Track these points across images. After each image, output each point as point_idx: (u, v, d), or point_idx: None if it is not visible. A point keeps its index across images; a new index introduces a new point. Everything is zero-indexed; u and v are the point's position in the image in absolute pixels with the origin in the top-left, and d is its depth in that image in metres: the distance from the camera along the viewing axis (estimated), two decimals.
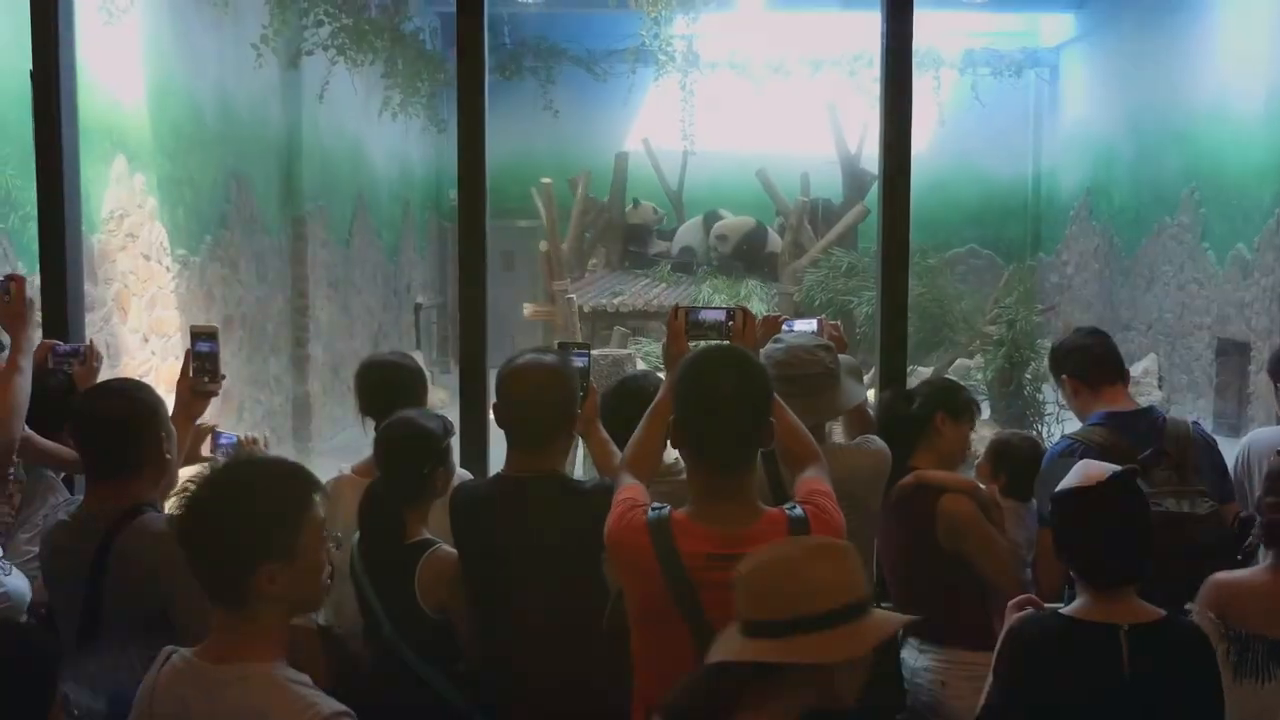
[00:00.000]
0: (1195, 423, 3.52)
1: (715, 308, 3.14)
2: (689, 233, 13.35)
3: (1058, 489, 2.51)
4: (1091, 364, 3.53)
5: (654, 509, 2.44)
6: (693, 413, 2.43)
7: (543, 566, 2.75)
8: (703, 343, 2.95)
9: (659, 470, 2.95)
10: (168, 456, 2.81)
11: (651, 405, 2.69)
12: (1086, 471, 2.50)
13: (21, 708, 1.94)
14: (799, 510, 2.41)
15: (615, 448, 3.03)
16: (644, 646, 2.47)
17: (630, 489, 2.55)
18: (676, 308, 3.09)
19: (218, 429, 3.51)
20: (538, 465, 2.82)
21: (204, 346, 3.23)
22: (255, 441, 3.47)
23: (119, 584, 2.62)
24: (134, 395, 2.88)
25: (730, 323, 3.08)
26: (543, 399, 2.81)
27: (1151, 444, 3.16)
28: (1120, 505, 2.44)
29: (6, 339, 3.39)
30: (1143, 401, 3.68)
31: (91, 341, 3.85)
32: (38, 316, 3.60)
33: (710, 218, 13.21)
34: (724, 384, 2.40)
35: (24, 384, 3.22)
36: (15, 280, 3.44)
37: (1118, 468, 2.50)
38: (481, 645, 2.90)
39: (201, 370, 3.23)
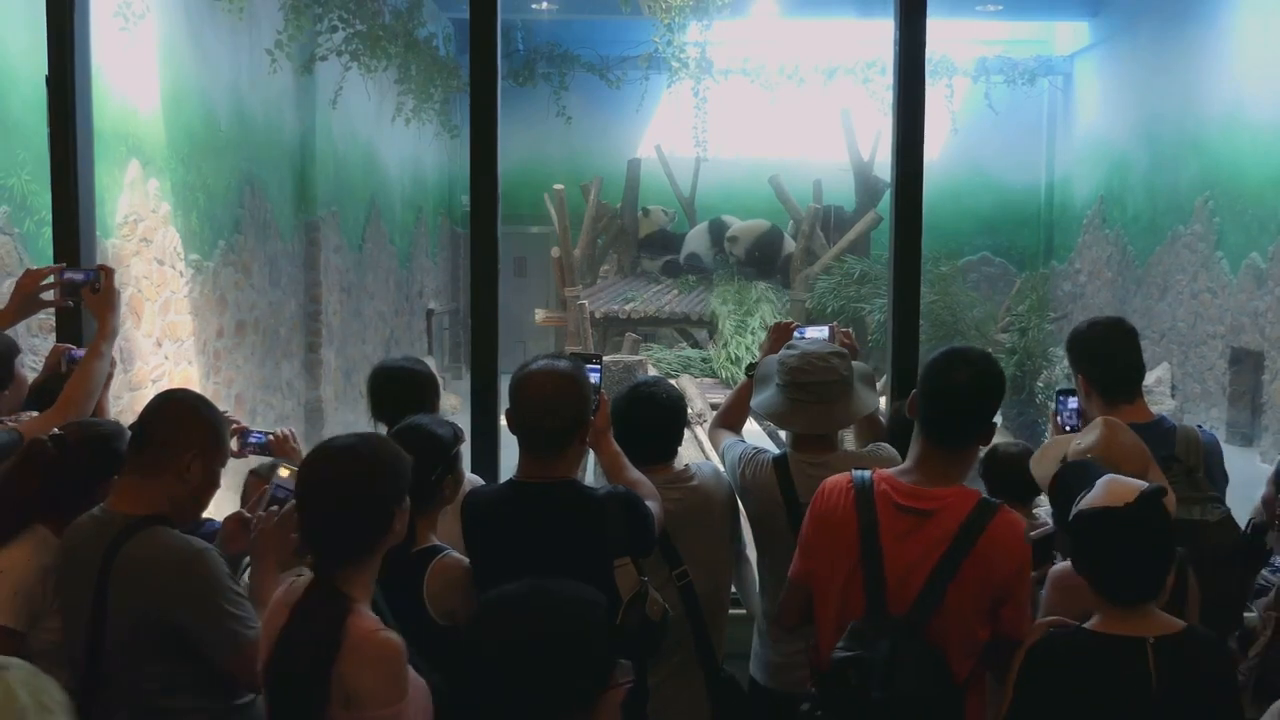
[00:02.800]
0: (1200, 427, 3.47)
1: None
2: (695, 239, 13.34)
3: (1084, 507, 2.47)
4: (1113, 378, 3.34)
5: (858, 472, 2.75)
6: (931, 398, 2.72)
7: (554, 572, 2.74)
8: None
9: (668, 478, 2.96)
10: (186, 474, 2.72)
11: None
12: (1112, 489, 2.46)
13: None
14: (994, 500, 2.68)
15: (626, 459, 3.03)
16: (823, 606, 2.72)
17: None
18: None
19: (247, 427, 3.42)
20: (550, 471, 2.80)
21: (283, 494, 2.92)
22: (287, 439, 3.39)
23: (123, 597, 2.58)
24: (191, 401, 2.86)
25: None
26: (556, 405, 2.78)
27: (1162, 451, 3.13)
28: (1148, 526, 2.41)
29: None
30: (1154, 410, 3.57)
31: None
32: (122, 306, 3.68)
33: (715, 225, 13.19)
34: (960, 378, 2.70)
35: (102, 368, 3.37)
36: (105, 271, 3.53)
37: (1144, 484, 2.46)
38: None
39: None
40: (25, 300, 3.53)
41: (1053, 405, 3.48)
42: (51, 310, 3.82)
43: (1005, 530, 2.61)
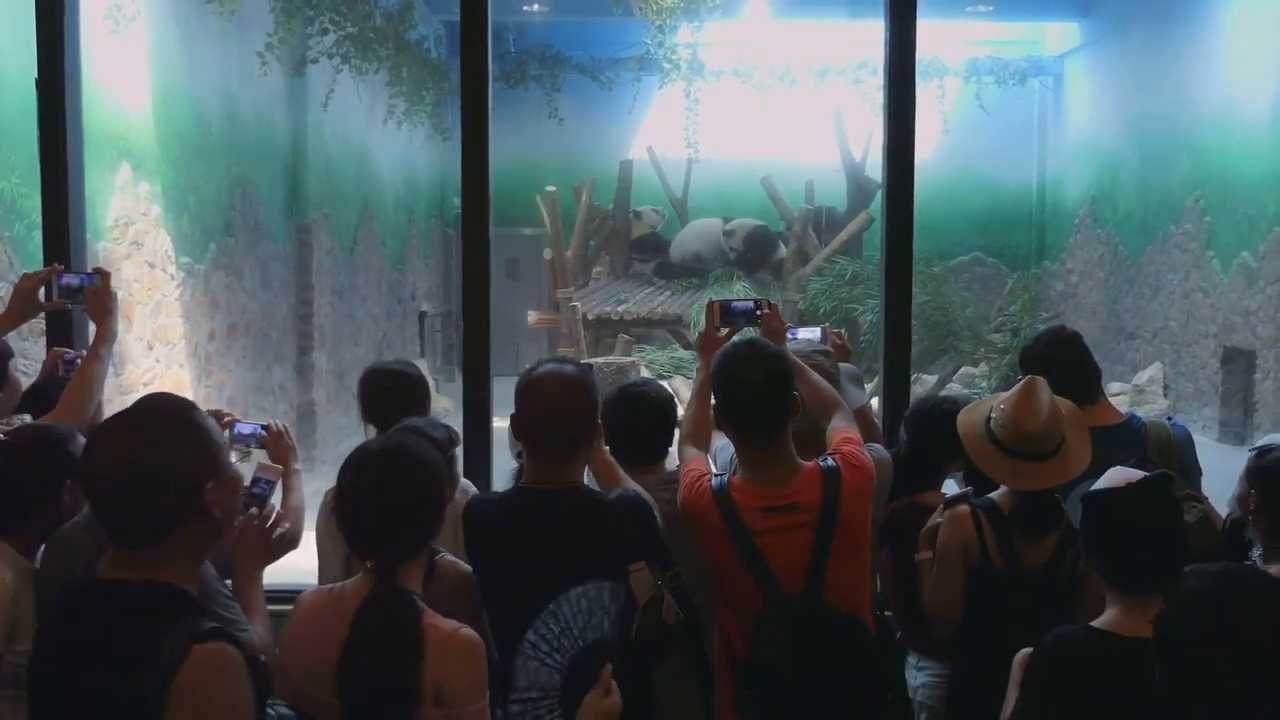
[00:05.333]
0: (1169, 420, 3.47)
1: (744, 299, 3.55)
2: (700, 237, 13.32)
3: (1089, 492, 2.47)
4: (1066, 388, 3.26)
5: (716, 477, 2.89)
6: (732, 400, 2.86)
7: (569, 579, 2.67)
8: (726, 329, 3.38)
9: (660, 479, 2.96)
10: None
11: (696, 387, 3.27)
12: (1116, 476, 2.46)
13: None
14: (831, 461, 2.85)
15: (620, 470, 3.01)
16: (722, 599, 2.90)
17: (695, 460, 3.03)
18: (711, 301, 3.45)
19: (236, 419, 3.25)
20: (560, 477, 2.75)
21: (262, 488, 2.87)
22: (280, 435, 3.26)
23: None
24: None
25: (759, 312, 3.40)
26: (566, 408, 2.73)
27: (1134, 455, 3.12)
28: (1149, 510, 2.40)
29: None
30: (1146, 410, 3.59)
31: None
32: (119, 309, 3.64)
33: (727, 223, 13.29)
34: (753, 375, 2.82)
35: (101, 372, 3.36)
36: (101, 274, 3.51)
37: (1146, 473, 2.46)
38: (501, 660, 2.82)
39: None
40: (24, 303, 3.52)
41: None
42: (42, 314, 3.81)
43: (857, 478, 2.82)
